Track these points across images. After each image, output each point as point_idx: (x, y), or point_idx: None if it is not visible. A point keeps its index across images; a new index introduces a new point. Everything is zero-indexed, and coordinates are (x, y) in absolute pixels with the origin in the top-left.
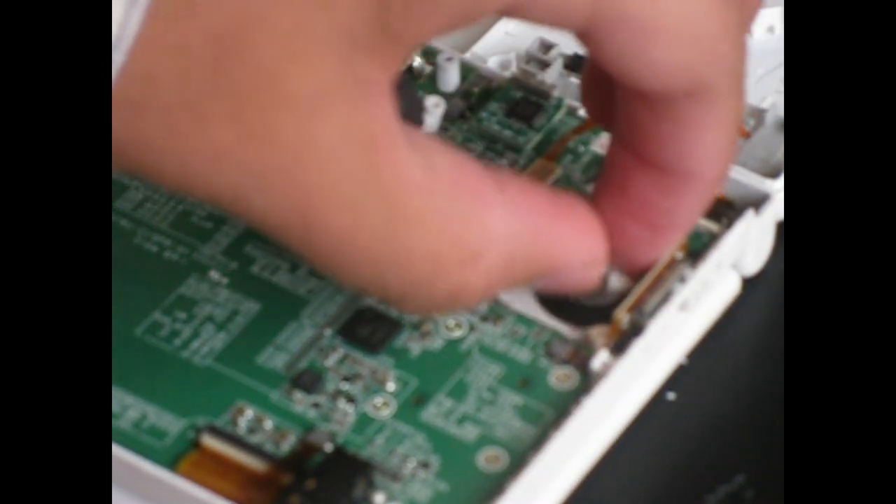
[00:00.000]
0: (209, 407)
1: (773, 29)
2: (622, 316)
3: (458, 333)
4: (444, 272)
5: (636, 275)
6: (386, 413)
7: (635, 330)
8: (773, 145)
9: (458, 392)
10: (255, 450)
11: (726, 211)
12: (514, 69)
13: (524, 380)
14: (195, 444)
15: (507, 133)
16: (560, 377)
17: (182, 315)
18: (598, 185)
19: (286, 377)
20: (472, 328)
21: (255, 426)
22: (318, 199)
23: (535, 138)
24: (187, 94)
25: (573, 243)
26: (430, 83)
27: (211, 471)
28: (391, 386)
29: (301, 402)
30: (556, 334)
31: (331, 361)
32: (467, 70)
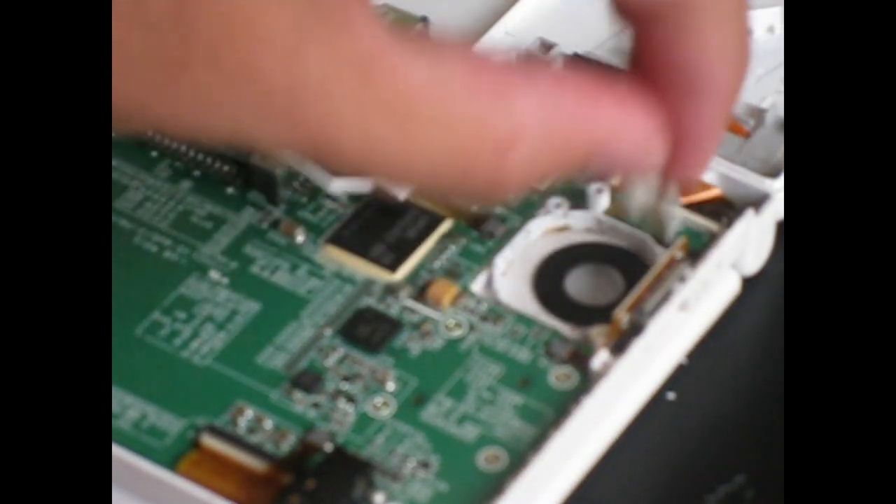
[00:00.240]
0: (209, 407)
1: (773, 29)
2: (622, 316)
3: (458, 333)
4: (477, 165)
5: (662, 192)
6: (386, 413)
7: (635, 330)
8: (773, 145)
9: (458, 392)
10: (254, 450)
11: (726, 211)
12: None
13: (524, 380)
14: (195, 444)
15: None
16: (560, 377)
17: (182, 315)
18: None
19: (286, 377)
20: (472, 328)
21: (255, 426)
22: (322, 129)
23: None
24: (158, 51)
25: (619, 119)
26: None
27: (211, 471)
28: (391, 386)
29: (301, 402)
30: (556, 334)
31: (331, 361)
32: None
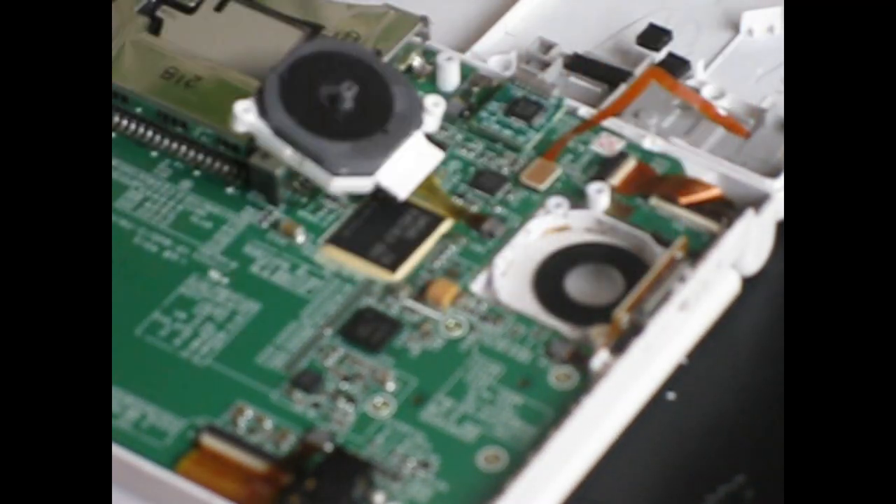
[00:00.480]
0: (209, 407)
1: (773, 29)
2: (622, 316)
3: (458, 333)
4: None
5: None
6: (386, 413)
7: (635, 330)
8: (773, 145)
9: (458, 392)
10: (255, 450)
11: (726, 211)
12: (514, 69)
13: (524, 380)
14: (195, 444)
15: (507, 133)
16: (560, 377)
17: (182, 315)
18: None
19: (286, 377)
20: (472, 328)
21: (255, 426)
22: None
23: (535, 138)
24: None
25: None
26: (430, 83)
27: (211, 471)
28: (391, 386)
29: (301, 402)
30: (556, 334)
31: (331, 361)
32: (467, 70)
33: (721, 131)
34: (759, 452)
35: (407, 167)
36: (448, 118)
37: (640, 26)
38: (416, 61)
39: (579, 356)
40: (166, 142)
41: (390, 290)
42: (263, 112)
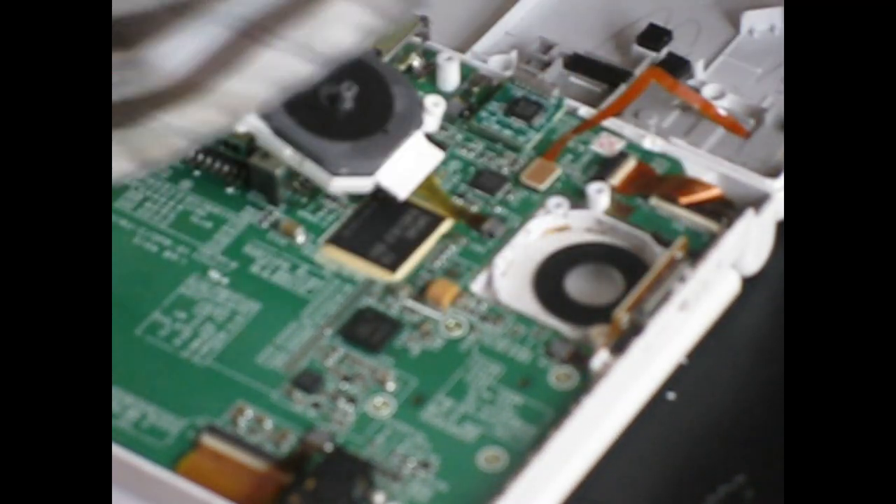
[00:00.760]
0: (209, 407)
1: (773, 29)
2: (622, 316)
3: (458, 333)
4: None
5: None
6: (386, 413)
7: (635, 330)
8: (773, 145)
9: (458, 392)
10: (255, 450)
11: (726, 211)
12: (514, 69)
13: (524, 380)
14: (195, 444)
15: (507, 133)
16: (560, 377)
17: (182, 315)
18: None
19: (286, 377)
20: (472, 328)
21: (255, 426)
22: None
23: (535, 138)
24: None
25: None
26: (430, 83)
27: (211, 471)
28: (391, 386)
29: (301, 402)
30: (556, 334)
31: (331, 361)
32: (467, 70)
33: (721, 131)
34: (759, 452)
35: (407, 167)
36: (448, 118)
37: (640, 26)
38: (417, 61)
39: (579, 356)
40: None
41: (390, 290)
42: (264, 113)
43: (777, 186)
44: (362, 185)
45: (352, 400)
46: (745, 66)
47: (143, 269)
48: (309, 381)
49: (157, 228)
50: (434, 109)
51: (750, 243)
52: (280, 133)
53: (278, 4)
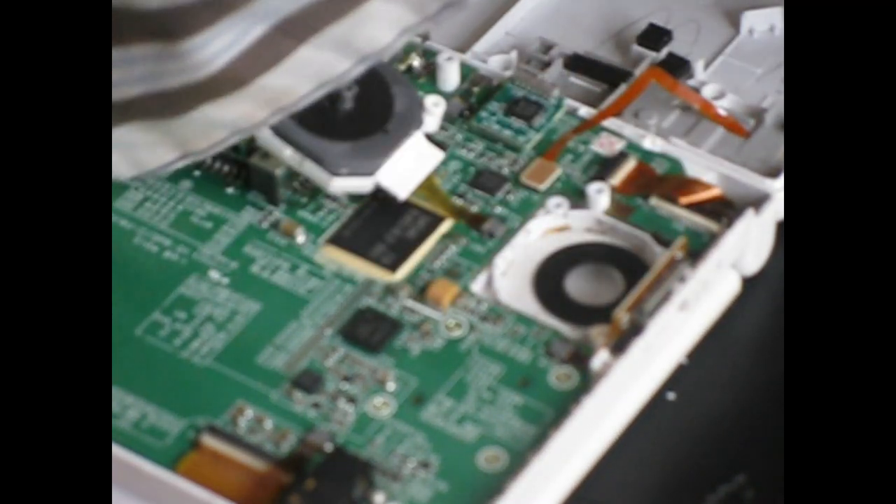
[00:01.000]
0: (209, 407)
1: (773, 29)
2: (622, 316)
3: (458, 333)
4: None
5: None
6: (386, 413)
7: (635, 330)
8: (773, 145)
9: (458, 392)
10: (255, 450)
11: (726, 211)
12: (514, 69)
13: (524, 380)
14: (195, 444)
15: (507, 133)
16: (560, 377)
17: (182, 315)
18: None
19: (286, 377)
20: (472, 328)
21: (255, 426)
22: None
23: (535, 138)
24: None
25: None
26: (430, 83)
27: (211, 471)
28: (391, 386)
29: (301, 402)
30: (556, 334)
31: (331, 361)
32: (467, 70)
33: (721, 131)
34: (759, 452)
35: (407, 167)
36: (448, 118)
37: (640, 26)
38: (417, 61)
39: (579, 356)
40: None
41: (390, 290)
42: None
43: (777, 186)
44: (362, 185)
45: (352, 400)
46: (745, 66)
47: (143, 269)
48: (309, 381)
49: (157, 228)
50: (434, 109)
51: (750, 243)
52: (280, 133)
53: (317, 1)
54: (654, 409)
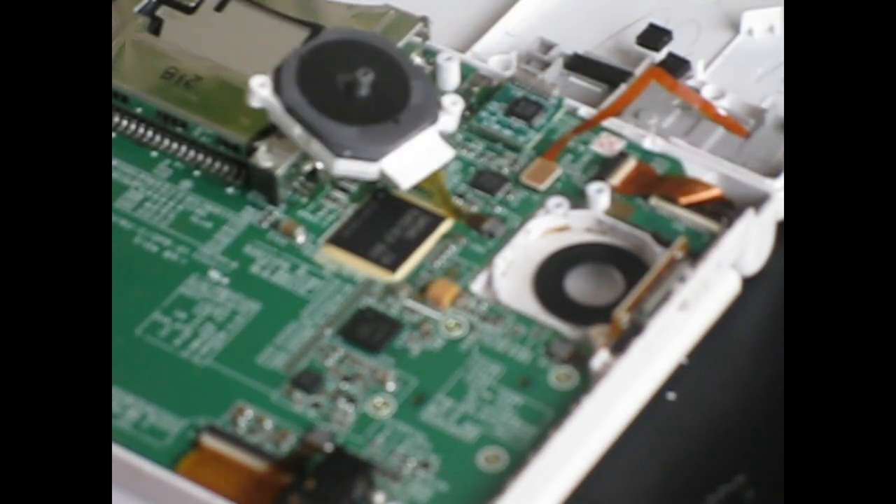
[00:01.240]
0: (209, 407)
1: (773, 29)
2: (622, 316)
3: (458, 333)
4: None
5: None
6: (386, 413)
7: (635, 330)
8: (773, 145)
9: (458, 392)
10: (255, 450)
11: (726, 211)
12: (514, 69)
13: (524, 380)
14: (195, 444)
15: (507, 133)
16: (560, 377)
17: (182, 315)
18: None
19: (286, 377)
20: (472, 328)
21: (255, 426)
22: None
23: (535, 138)
24: None
25: None
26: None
27: (211, 471)
28: (391, 386)
29: (301, 402)
30: (556, 334)
31: (331, 361)
32: (467, 70)
33: (721, 131)
34: (759, 452)
35: (414, 160)
36: None
37: (640, 26)
38: (417, 61)
39: (579, 356)
40: (166, 142)
41: (390, 290)
42: (278, 89)
43: (777, 186)
44: (366, 170)
45: (352, 400)
46: (745, 66)
47: (143, 269)
48: (309, 381)
49: (157, 228)
50: (452, 108)
51: (750, 243)
52: (291, 111)
53: None
54: (654, 409)
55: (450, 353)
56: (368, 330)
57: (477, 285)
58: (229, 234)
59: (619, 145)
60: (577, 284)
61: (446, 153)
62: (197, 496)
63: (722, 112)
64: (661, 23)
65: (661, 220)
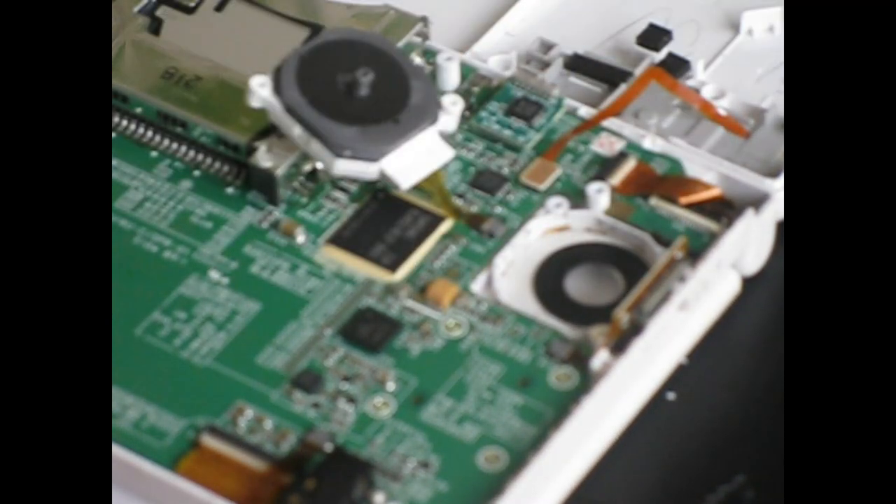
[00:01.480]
0: (209, 407)
1: (773, 29)
2: (622, 316)
3: (458, 333)
4: None
5: None
6: (386, 413)
7: (635, 330)
8: (773, 145)
9: (458, 392)
10: (255, 450)
11: (726, 211)
12: (514, 69)
13: (524, 380)
14: (195, 444)
15: (507, 133)
16: (560, 377)
17: (182, 315)
18: None
19: (286, 377)
20: (472, 328)
21: (255, 426)
22: None
23: (535, 138)
24: None
25: None
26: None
27: (211, 471)
28: (391, 386)
29: (301, 402)
30: (556, 334)
31: (331, 361)
32: (467, 70)
33: (721, 131)
34: (759, 452)
35: (414, 160)
36: None
37: (640, 26)
38: (417, 61)
39: (579, 356)
40: (166, 142)
41: (390, 290)
42: (278, 89)
43: (777, 186)
44: (366, 170)
45: (352, 400)
46: (745, 66)
47: (143, 269)
48: (309, 381)
49: (157, 228)
50: (452, 108)
51: (750, 243)
52: (290, 111)
53: None
54: (654, 409)
55: (450, 353)
56: (368, 330)
57: (477, 285)
58: (229, 234)
59: (619, 145)
60: (577, 284)
61: (446, 153)
62: (197, 496)
63: (722, 112)
64: (661, 23)
65: (661, 220)
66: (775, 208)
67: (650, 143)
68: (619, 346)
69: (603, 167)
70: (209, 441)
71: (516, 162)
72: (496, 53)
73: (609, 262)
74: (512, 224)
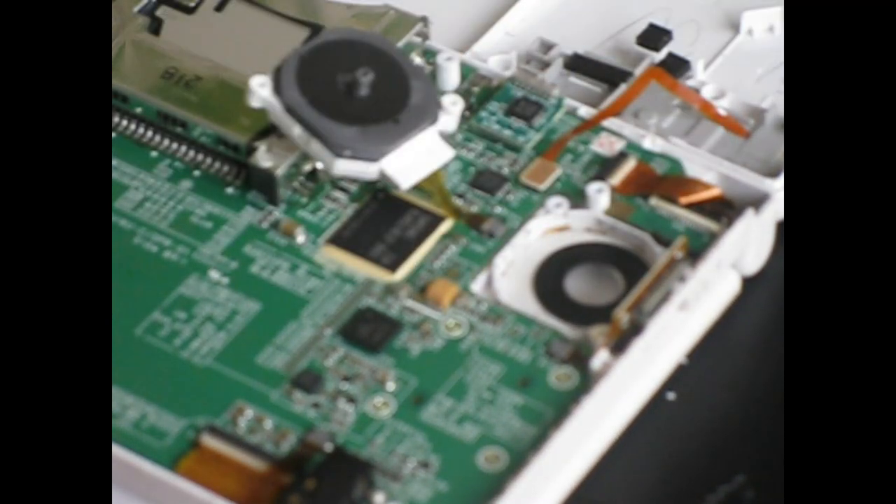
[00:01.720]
0: (209, 407)
1: (773, 29)
2: (622, 315)
3: (458, 333)
4: None
5: None
6: (386, 413)
7: (635, 330)
8: (773, 145)
9: (458, 392)
10: (255, 450)
11: (726, 211)
12: (514, 69)
13: (524, 380)
14: (195, 444)
15: (507, 133)
16: (560, 377)
17: (182, 315)
18: None
19: (286, 377)
20: (472, 328)
21: (255, 426)
22: None
23: (535, 138)
24: None
25: None
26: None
27: (211, 471)
28: (391, 386)
29: (301, 402)
30: (556, 334)
31: (331, 361)
32: (467, 70)
33: (721, 131)
34: (759, 452)
35: (414, 160)
36: None
37: (640, 26)
38: (417, 61)
39: (579, 356)
40: (166, 142)
41: (390, 290)
42: (278, 89)
43: (777, 186)
44: (366, 170)
45: (352, 400)
46: (745, 66)
47: (143, 269)
48: (309, 381)
49: (157, 228)
50: (452, 108)
51: (750, 243)
52: (290, 111)
53: None
54: (654, 409)
55: (450, 353)
56: (368, 330)
57: (477, 285)
58: (229, 234)
59: (619, 145)
60: (577, 284)
61: (446, 153)
62: (197, 496)
63: (722, 112)
64: (661, 23)
65: (661, 220)
66: (775, 208)
67: (650, 143)
68: (619, 346)
69: (603, 167)
70: (209, 441)
71: (516, 162)
72: (496, 53)
73: (609, 262)
74: (512, 224)
